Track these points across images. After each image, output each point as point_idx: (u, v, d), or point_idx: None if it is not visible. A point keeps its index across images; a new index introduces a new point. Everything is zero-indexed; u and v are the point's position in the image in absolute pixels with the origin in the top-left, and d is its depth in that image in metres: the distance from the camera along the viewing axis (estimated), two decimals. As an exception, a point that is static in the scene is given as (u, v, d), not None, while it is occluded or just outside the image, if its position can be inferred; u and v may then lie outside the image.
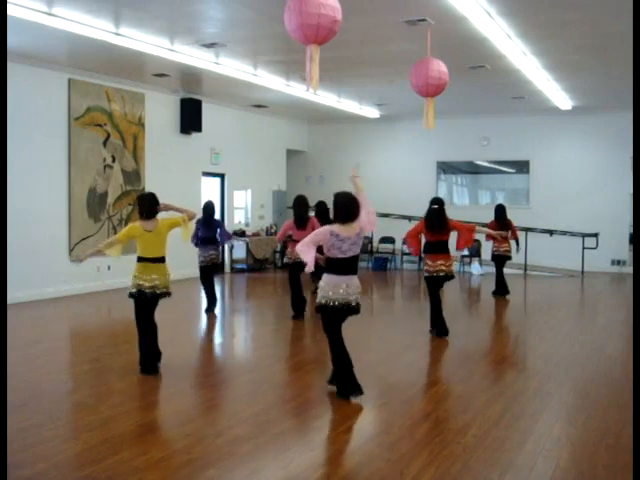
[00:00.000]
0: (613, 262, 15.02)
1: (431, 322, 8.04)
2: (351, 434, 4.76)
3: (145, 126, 12.38)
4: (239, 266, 14.96)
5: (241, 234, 14.91)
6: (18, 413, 4.90)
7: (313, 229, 8.47)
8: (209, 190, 14.32)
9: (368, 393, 5.60)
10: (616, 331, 8.72)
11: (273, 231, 15.85)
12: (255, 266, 15.11)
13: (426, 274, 7.95)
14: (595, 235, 14.64)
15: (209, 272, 9.55)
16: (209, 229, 9.35)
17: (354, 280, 5.37)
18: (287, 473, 4.00)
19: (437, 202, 8.01)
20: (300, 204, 8.95)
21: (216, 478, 3.91)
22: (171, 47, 9.24)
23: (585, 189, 15.11)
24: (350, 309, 5.34)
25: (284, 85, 12.03)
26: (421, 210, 15.95)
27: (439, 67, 7.57)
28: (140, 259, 6.14)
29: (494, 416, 4.97)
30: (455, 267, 8.04)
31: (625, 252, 14.92)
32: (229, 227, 14.87)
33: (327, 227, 5.39)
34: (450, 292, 12.09)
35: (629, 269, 14.37)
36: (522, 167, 15.96)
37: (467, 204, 16.98)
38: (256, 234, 15.37)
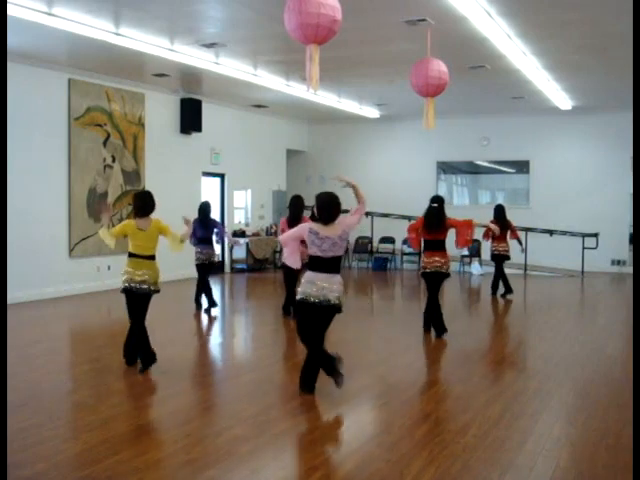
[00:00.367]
0: (613, 262, 15.02)
1: (424, 321, 8.05)
2: (351, 434, 4.76)
3: (145, 126, 12.38)
4: (239, 266, 14.95)
5: (241, 234, 14.91)
6: (18, 413, 4.89)
7: None
8: (209, 190, 14.32)
9: (368, 393, 5.60)
10: (616, 331, 8.72)
11: (273, 231, 15.85)
12: (255, 266, 15.11)
13: (421, 270, 8.06)
14: (595, 235, 14.64)
15: (205, 270, 9.65)
16: (205, 229, 9.49)
17: (335, 279, 5.35)
18: (287, 473, 4.00)
19: (437, 200, 8.00)
20: (295, 204, 8.96)
21: (216, 478, 3.91)
22: (171, 47, 9.24)
23: (585, 189, 15.11)
24: (330, 307, 5.30)
25: (284, 85, 12.03)
26: (421, 210, 15.96)
27: (439, 67, 7.57)
28: (131, 255, 6.20)
29: (494, 416, 4.96)
30: (451, 266, 7.98)
31: (625, 252, 14.91)
32: (229, 227, 14.90)
33: (307, 224, 5.47)
34: (450, 292, 12.10)
35: (629, 269, 14.37)
36: (522, 167, 15.96)
37: (467, 204, 16.98)
38: (256, 234, 15.36)
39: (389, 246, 16.20)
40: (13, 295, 9.49)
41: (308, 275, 5.35)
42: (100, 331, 8.65)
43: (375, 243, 16.31)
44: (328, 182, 16.52)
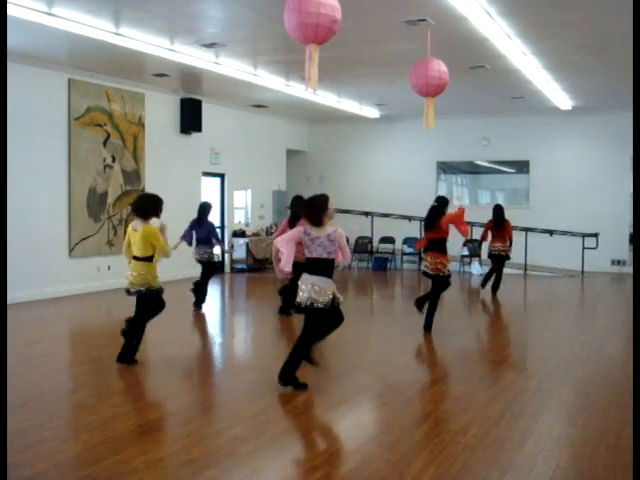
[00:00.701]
0: (613, 262, 15.02)
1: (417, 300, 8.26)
2: (351, 434, 4.76)
3: (145, 126, 12.38)
4: (239, 266, 14.95)
5: (241, 234, 14.91)
6: (18, 413, 4.89)
7: None
8: (209, 190, 14.32)
9: (368, 393, 5.60)
10: (616, 331, 8.72)
11: (273, 231, 15.83)
12: (255, 266, 15.11)
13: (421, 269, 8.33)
14: (595, 235, 14.64)
15: (206, 269, 9.70)
16: (201, 229, 9.52)
17: (323, 282, 5.35)
18: (287, 473, 4.00)
19: (437, 200, 8.10)
20: (296, 204, 8.98)
21: (216, 478, 3.91)
22: (171, 47, 9.24)
23: (585, 189, 15.11)
24: (314, 310, 5.34)
25: (284, 85, 12.03)
26: (421, 210, 15.97)
27: (439, 67, 7.56)
28: (133, 256, 6.39)
29: (494, 416, 4.96)
30: (445, 267, 7.96)
31: (625, 252, 14.91)
32: (229, 227, 14.91)
33: (301, 227, 5.54)
34: (450, 292, 12.08)
35: (629, 269, 14.37)
36: (522, 167, 15.96)
37: (467, 204, 16.97)
38: (256, 234, 15.36)
39: (389, 246, 16.20)
40: (13, 295, 9.49)
41: (302, 277, 5.45)
42: (100, 331, 8.64)
43: (375, 243, 16.30)
44: (328, 182, 16.59)
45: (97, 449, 4.25)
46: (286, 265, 5.43)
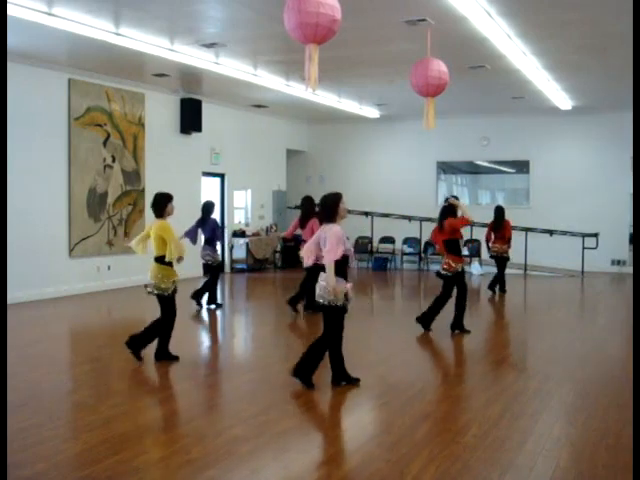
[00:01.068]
0: (613, 262, 15.02)
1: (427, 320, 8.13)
2: (351, 434, 4.77)
3: (145, 126, 12.38)
4: (239, 266, 14.95)
5: (241, 234, 14.91)
6: (18, 413, 4.90)
7: (312, 229, 8.56)
8: (209, 190, 14.32)
9: (368, 393, 5.60)
10: (616, 331, 8.72)
11: (273, 231, 15.86)
12: (255, 266, 15.11)
13: None
14: (595, 235, 14.64)
15: (208, 270, 9.80)
16: (205, 229, 9.55)
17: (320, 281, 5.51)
18: (287, 473, 4.00)
19: (446, 200, 8.14)
20: (305, 204, 9.36)
21: (216, 478, 3.91)
22: (171, 47, 9.24)
23: (585, 189, 15.11)
24: (323, 307, 5.54)
25: (284, 85, 12.03)
26: (421, 210, 15.97)
27: (439, 67, 7.56)
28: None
29: (494, 416, 4.96)
30: (449, 267, 7.97)
31: (625, 252, 14.91)
32: (229, 227, 14.91)
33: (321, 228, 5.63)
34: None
35: (629, 269, 14.36)
36: (522, 167, 15.96)
37: (467, 204, 16.96)
38: (256, 234, 15.36)
39: (389, 246, 16.20)
40: (13, 295, 9.49)
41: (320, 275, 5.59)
42: (100, 331, 8.64)
43: (375, 243, 16.30)
44: (328, 182, 16.58)
45: (97, 449, 4.25)
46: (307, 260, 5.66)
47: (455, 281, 7.96)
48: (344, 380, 5.67)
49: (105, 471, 3.92)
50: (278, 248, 15.91)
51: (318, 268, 5.69)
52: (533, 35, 8.56)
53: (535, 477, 3.91)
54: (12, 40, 8.63)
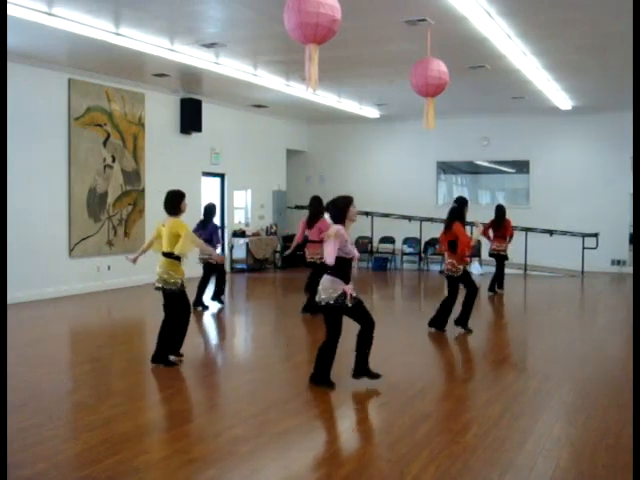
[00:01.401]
0: (613, 262, 15.02)
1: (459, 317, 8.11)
2: (351, 434, 4.76)
3: (145, 126, 12.38)
4: (239, 266, 14.95)
5: (241, 234, 14.92)
6: (18, 413, 4.90)
7: (319, 229, 8.55)
8: (209, 190, 14.32)
9: (368, 393, 5.60)
10: (616, 331, 8.72)
11: (273, 231, 15.86)
12: (255, 266, 15.11)
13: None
14: (595, 235, 14.64)
15: (207, 270, 9.81)
16: (205, 231, 9.54)
17: (327, 280, 5.51)
18: (287, 473, 4.00)
19: (456, 201, 8.23)
20: (313, 203, 9.32)
21: (216, 478, 3.91)
22: (171, 47, 9.24)
23: (585, 189, 15.11)
24: (322, 307, 5.59)
25: (284, 85, 12.03)
26: (421, 210, 15.97)
27: (439, 67, 7.56)
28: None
29: (494, 416, 4.97)
30: (454, 268, 7.96)
31: (625, 252, 14.91)
32: (229, 227, 14.91)
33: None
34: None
35: (629, 269, 14.36)
36: (522, 167, 15.95)
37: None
38: (256, 234, 15.36)
39: (389, 246, 16.20)
40: (13, 295, 9.48)
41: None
42: (100, 331, 8.64)
43: (375, 243, 16.30)
44: (328, 182, 16.59)
45: (97, 449, 4.25)
46: (328, 258, 5.55)
47: (462, 281, 7.97)
48: (324, 382, 5.63)
49: (105, 471, 3.92)
50: (278, 248, 15.91)
51: (322, 266, 5.72)
52: (533, 35, 8.56)
53: (535, 477, 3.91)
54: (12, 40, 8.63)
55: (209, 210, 9.72)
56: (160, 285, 6.32)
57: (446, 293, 8.17)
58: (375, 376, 5.73)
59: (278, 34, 7.81)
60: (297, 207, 16.47)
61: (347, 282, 5.47)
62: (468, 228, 8.91)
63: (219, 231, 10.27)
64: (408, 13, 7.57)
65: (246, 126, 15.17)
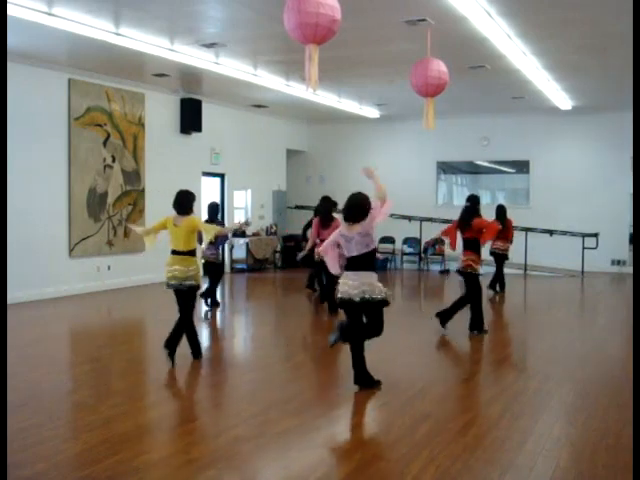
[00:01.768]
0: (613, 262, 15.02)
1: (470, 322, 7.99)
2: (351, 434, 4.77)
3: (145, 126, 12.38)
4: (239, 266, 14.95)
5: (241, 234, 14.90)
6: (18, 413, 4.89)
7: (335, 229, 8.55)
8: (209, 190, 14.32)
9: (368, 393, 5.60)
10: (616, 331, 8.72)
11: (273, 231, 15.86)
12: (255, 266, 15.11)
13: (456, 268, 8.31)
14: (595, 235, 14.63)
15: (208, 269, 9.76)
16: None
17: (360, 276, 5.45)
18: (287, 473, 4.00)
19: (469, 199, 8.27)
20: (324, 204, 9.51)
21: (216, 478, 3.91)
22: (171, 47, 9.24)
23: (585, 189, 15.11)
24: (352, 304, 5.43)
25: (284, 85, 12.03)
26: (421, 210, 15.98)
27: (439, 67, 7.57)
28: (171, 251, 6.42)
29: (494, 416, 4.97)
30: (477, 265, 7.95)
31: (625, 252, 14.91)
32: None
33: (338, 230, 5.74)
34: (450, 291, 12.09)
35: (629, 269, 14.36)
36: (522, 167, 15.95)
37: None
38: (256, 234, 15.36)
39: (389, 246, 16.19)
40: (13, 295, 9.48)
41: (343, 274, 5.58)
42: (100, 331, 8.64)
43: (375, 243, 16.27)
44: (328, 182, 16.58)
45: (97, 449, 4.25)
46: (333, 268, 5.76)
47: (476, 278, 7.99)
48: (366, 383, 5.62)
49: (105, 471, 3.92)
50: (278, 248, 15.91)
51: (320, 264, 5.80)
52: (533, 35, 8.56)
53: (535, 477, 3.91)
54: (12, 40, 8.62)
55: (213, 208, 9.72)
56: (176, 283, 6.30)
57: (463, 292, 8.17)
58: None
59: (278, 34, 7.81)
60: (297, 207, 16.46)
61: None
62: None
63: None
64: (408, 13, 7.57)
65: (246, 126, 15.17)
